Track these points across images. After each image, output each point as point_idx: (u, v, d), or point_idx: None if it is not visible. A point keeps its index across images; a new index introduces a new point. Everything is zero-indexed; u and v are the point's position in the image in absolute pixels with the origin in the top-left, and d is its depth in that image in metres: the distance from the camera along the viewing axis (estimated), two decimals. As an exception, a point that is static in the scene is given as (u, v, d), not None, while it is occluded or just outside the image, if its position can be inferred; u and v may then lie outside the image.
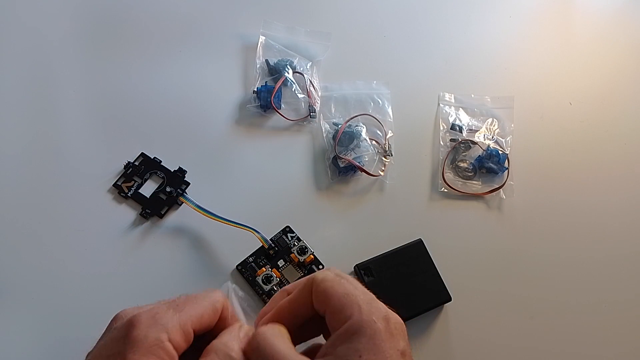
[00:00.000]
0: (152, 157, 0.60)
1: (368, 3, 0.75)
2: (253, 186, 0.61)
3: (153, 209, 0.58)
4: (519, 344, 0.57)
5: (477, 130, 0.67)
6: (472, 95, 0.69)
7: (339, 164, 0.62)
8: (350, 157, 0.62)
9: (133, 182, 0.59)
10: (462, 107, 0.69)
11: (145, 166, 0.60)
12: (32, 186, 0.58)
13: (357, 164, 0.61)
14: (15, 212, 0.57)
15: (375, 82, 0.68)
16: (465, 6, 0.77)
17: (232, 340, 0.28)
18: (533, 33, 0.77)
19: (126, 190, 0.58)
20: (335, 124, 0.64)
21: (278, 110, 0.64)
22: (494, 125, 0.68)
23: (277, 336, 0.28)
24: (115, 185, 0.59)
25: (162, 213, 0.58)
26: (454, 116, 0.68)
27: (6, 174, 0.59)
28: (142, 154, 0.60)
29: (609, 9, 0.80)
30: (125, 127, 0.63)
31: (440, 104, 0.69)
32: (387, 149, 0.64)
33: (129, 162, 0.60)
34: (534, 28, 0.77)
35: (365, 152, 0.63)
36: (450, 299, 0.55)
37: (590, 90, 0.73)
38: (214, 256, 0.57)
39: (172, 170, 0.60)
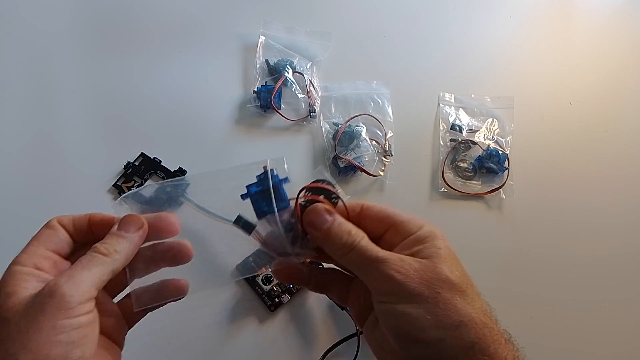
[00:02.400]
0: (152, 157, 0.60)
1: (368, 3, 0.75)
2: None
3: (153, 210, 0.57)
4: (519, 343, 0.57)
5: (477, 130, 0.67)
6: (472, 95, 0.69)
7: (339, 164, 0.62)
8: (350, 157, 0.62)
9: (133, 182, 0.59)
10: (462, 107, 0.69)
11: (145, 166, 0.60)
12: (32, 186, 0.58)
13: (357, 164, 0.61)
14: (15, 212, 0.57)
15: (375, 82, 0.68)
16: (465, 6, 0.77)
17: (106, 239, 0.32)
18: (533, 33, 0.77)
19: (126, 191, 0.58)
20: (335, 124, 0.64)
21: (278, 110, 0.64)
22: (494, 125, 0.68)
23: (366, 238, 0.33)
24: (115, 185, 0.59)
25: None
26: (454, 116, 0.68)
27: (6, 173, 0.59)
28: (142, 154, 0.60)
29: (609, 9, 0.80)
30: (125, 127, 0.63)
31: (440, 104, 0.69)
32: (387, 149, 0.64)
33: (129, 162, 0.60)
34: (534, 28, 0.77)
35: (365, 152, 0.63)
36: (450, 299, 0.55)
37: (590, 90, 0.73)
38: (214, 256, 0.57)
39: (172, 170, 0.60)
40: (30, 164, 0.59)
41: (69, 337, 0.27)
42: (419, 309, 0.29)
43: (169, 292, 0.35)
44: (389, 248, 0.33)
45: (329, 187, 0.34)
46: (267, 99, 0.63)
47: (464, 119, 0.68)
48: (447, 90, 0.69)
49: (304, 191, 0.34)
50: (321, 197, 0.33)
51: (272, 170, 0.34)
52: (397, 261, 0.31)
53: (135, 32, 0.68)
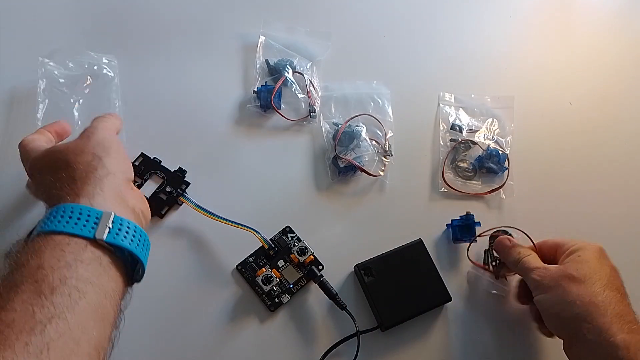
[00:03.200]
0: (152, 157, 0.60)
1: (368, 3, 0.75)
2: (253, 186, 0.61)
3: (153, 209, 0.57)
4: (519, 344, 0.57)
5: (477, 130, 0.67)
6: (472, 95, 0.69)
7: (339, 164, 0.62)
8: (350, 157, 0.62)
9: (133, 182, 0.59)
10: (462, 107, 0.69)
11: (145, 166, 0.60)
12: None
13: (357, 164, 0.61)
14: (13, 216, 0.57)
15: (375, 82, 0.68)
16: (465, 6, 0.77)
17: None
18: (533, 33, 0.77)
19: None
20: (335, 124, 0.64)
21: (278, 110, 0.64)
22: (494, 125, 0.68)
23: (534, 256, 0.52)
24: None
25: (162, 213, 0.58)
26: (454, 116, 0.68)
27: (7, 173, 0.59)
28: (142, 154, 0.60)
29: (609, 9, 0.80)
30: (125, 127, 0.62)
31: (440, 104, 0.69)
32: (387, 149, 0.64)
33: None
34: (534, 28, 0.77)
35: (365, 152, 0.63)
36: (450, 299, 0.55)
37: (590, 90, 0.73)
38: (214, 256, 0.57)
39: (172, 170, 0.60)
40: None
41: (123, 152, 0.47)
42: (547, 295, 0.47)
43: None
44: (556, 263, 0.50)
45: (506, 230, 0.58)
46: (267, 99, 0.63)
47: (464, 119, 0.68)
48: (447, 90, 0.69)
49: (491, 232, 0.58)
50: (502, 234, 0.57)
51: (472, 215, 0.59)
52: (542, 269, 0.49)
53: (135, 32, 0.68)
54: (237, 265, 0.56)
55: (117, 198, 0.41)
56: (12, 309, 0.31)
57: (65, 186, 0.40)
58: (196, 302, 0.55)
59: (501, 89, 0.71)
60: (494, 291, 0.58)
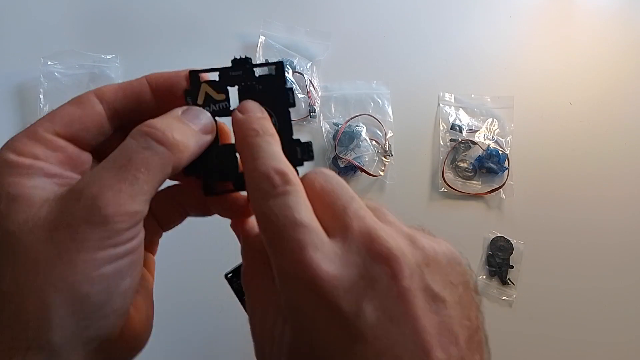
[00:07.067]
0: (289, 88, 0.29)
1: (368, 3, 0.75)
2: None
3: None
4: (518, 344, 0.57)
5: (477, 130, 0.67)
6: (472, 95, 0.69)
7: (339, 164, 0.62)
8: (350, 157, 0.62)
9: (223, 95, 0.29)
10: (462, 107, 0.69)
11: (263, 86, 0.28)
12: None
13: (357, 164, 0.61)
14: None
15: (375, 82, 0.68)
16: (465, 6, 0.77)
17: (162, 119, 0.23)
18: (533, 33, 0.77)
19: (202, 100, 0.28)
20: (335, 124, 0.64)
21: (278, 110, 0.64)
22: (494, 125, 0.68)
23: None
24: (191, 71, 0.30)
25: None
26: (454, 116, 0.68)
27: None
28: (280, 64, 0.29)
29: (609, 9, 0.80)
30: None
31: (440, 104, 0.69)
32: (387, 149, 0.64)
33: (247, 58, 0.29)
34: (534, 28, 0.77)
35: (365, 152, 0.63)
36: (450, 299, 0.55)
37: (590, 90, 0.73)
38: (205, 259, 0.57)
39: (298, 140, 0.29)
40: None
41: (115, 267, 0.20)
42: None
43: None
44: None
45: None
46: (267, 99, 0.63)
47: (464, 119, 0.68)
48: (447, 90, 0.69)
49: None
50: None
51: None
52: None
53: (135, 31, 0.68)
54: (226, 274, 0.55)
55: None
56: None
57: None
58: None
59: (501, 89, 0.71)
60: (504, 297, 0.58)
